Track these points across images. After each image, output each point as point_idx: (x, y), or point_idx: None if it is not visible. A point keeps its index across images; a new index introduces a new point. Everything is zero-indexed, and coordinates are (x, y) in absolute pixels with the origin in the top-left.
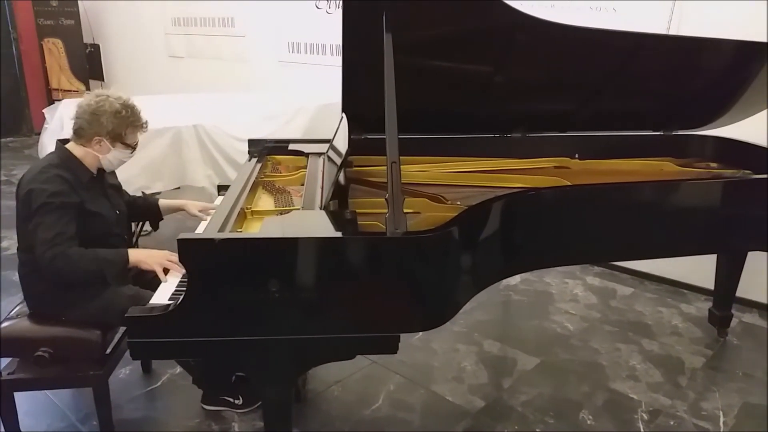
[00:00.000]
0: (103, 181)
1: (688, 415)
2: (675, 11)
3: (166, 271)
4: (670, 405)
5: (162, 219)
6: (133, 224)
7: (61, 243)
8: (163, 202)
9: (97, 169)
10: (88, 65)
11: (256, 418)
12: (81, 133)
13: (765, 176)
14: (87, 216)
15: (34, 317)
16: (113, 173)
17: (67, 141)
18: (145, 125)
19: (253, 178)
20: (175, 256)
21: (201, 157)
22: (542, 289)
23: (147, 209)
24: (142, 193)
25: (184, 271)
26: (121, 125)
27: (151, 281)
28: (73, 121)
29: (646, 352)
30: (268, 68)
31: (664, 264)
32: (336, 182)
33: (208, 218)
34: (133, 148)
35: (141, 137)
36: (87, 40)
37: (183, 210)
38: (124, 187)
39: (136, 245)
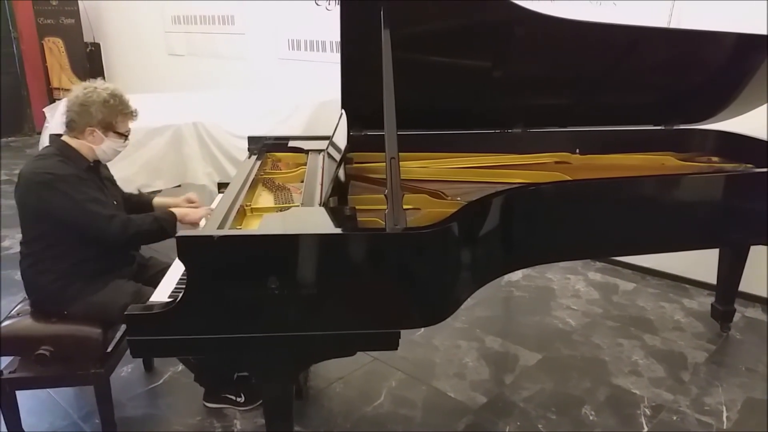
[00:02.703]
0: (99, 172)
1: (691, 410)
2: (675, 5)
3: None
4: (673, 400)
5: None
6: None
7: (116, 212)
8: (157, 201)
9: (93, 160)
10: (89, 64)
11: (258, 415)
12: (73, 126)
13: (767, 170)
14: None
15: (34, 315)
16: (105, 166)
17: (60, 136)
18: (134, 113)
19: (252, 176)
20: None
21: (201, 154)
22: (544, 284)
23: (140, 206)
24: (138, 191)
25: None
26: (111, 114)
27: (152, 278)
28: (64, 116)
29: (649, 348)
30: (267, 65)
31: (666, 259)
32: (336, 179)
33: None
34: (125, 136)
35: (141, 135)
36: (87, 38)
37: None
38: (123, 186)
39: None
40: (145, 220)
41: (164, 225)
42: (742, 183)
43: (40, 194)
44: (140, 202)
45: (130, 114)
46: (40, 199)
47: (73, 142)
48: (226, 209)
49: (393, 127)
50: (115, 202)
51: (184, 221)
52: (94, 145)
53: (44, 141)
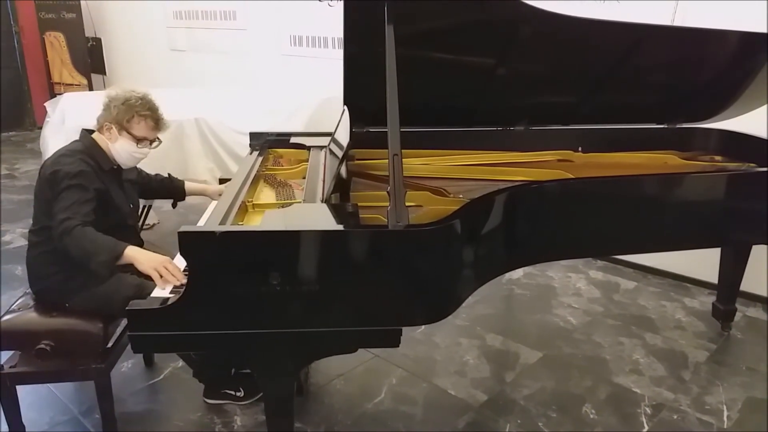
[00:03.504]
0: (121, 173)
1: (692, 409)
2: (679, 3)
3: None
4: (674, 399)
5: (184, 200)
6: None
7: (73, 219)
8: (188, 185)
9: (116, 163)
10: (90, 59)
11: (258, 411)
12: (98, 120)
13: None
14: (107, 204)
15: (35, 310)
16: (133, 169)
17: (92, 132)
18: (153, 119)
19: (254, 172)
20: (172, 265)
21: (203, 150)
22: (545, 282)
23: (173, 189)
24: (169, 175)
25: (177, 281)
26: (127, 112)
27: None
28: None
29: (650, 346)
30: (269, 61)
31: (668, 258)
32: (338, 175)
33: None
34: (139, 140)
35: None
36: (89, 33)
37: (204, 194)
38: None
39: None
40: (85, 238)
41: (97, 252)
42: (745, 182)
43: (52, 188)
44: (172, 187)
45: (145, 116)
46: (48, 192)
47: (100, 140)
48: (228, 205)
49: (396, 123)
50: (131, 205)
51: (136, 266)
52: (109, 142)
53: (45, 136)
